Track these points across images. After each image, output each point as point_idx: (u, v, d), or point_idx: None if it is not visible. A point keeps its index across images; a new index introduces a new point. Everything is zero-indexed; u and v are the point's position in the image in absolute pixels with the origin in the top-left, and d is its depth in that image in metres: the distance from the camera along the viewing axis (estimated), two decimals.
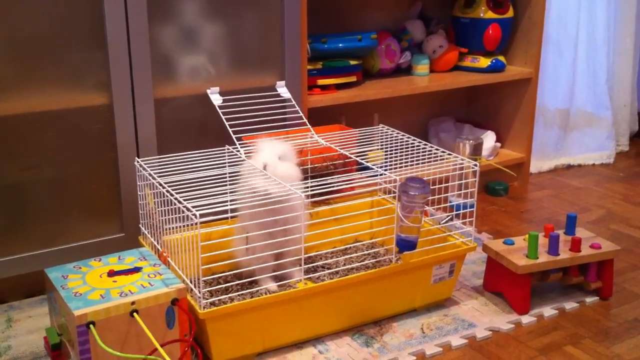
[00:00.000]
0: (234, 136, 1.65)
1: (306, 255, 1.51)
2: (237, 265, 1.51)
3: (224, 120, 1.67)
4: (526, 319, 1.61)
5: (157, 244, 1.51)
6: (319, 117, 1.99)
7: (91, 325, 1.22)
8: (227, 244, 1.50)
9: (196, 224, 1.28)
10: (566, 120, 2.80)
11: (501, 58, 2.41)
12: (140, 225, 1.61)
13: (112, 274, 1.37)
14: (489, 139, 2.47)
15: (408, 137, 1.76)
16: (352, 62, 2.14)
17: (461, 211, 1.65)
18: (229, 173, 1.59)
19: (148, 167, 1.52)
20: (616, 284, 1.77)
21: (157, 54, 1.67)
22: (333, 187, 1.53)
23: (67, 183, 1.64)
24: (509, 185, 2.49)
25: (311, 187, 1.61)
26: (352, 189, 1.79)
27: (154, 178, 1.47)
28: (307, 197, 1.51)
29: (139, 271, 1.38)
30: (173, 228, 1.41)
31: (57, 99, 1.58)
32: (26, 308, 1.64)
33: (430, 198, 1.51)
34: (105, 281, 1.34)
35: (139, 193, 1.57)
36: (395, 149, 1.78)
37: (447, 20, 2.49)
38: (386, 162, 1.79)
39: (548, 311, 1.64)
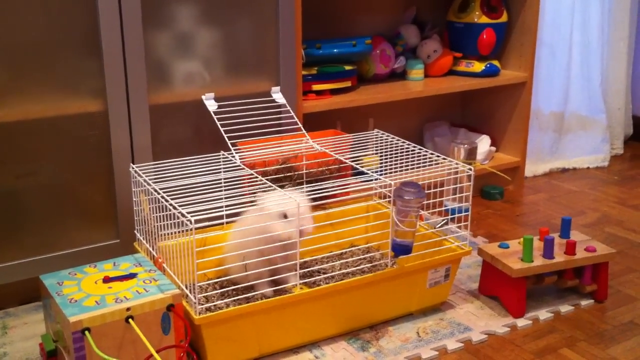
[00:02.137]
0: (229, 142, 1.65)
1: (302, 260, 1.51)
2: (232, 271, 1.51)
3: (219, 126, 1.67)
4: (522, 322, 1.61)
5: (153, 250, 1.51)
6: (314, 123, 2.00)
7: (86, 332, 1.22)
8: (223, 250, 1.50)
9: (191, 229, 1.28)
10: (561, 124, 2.80)
11: (495, 62, 2.42)
12: (136, 232, 1.61)
13: (107, 280, 1.37)
14: (483, 143, 2.47)
15: (403, 142, 1.76)
16: (347, 68, 2.15)
17: (456, 215, 1.66)
18: (224, 179, 1.59)
19: (143, 173, 1.53)
20: (611, 286, 1.78)
21: (152, 60, 1.68)
22: (328, 192, 1.53)
23: (63, 190, 1.64)
24: (504, 189, 2.49)
25: (307, 192, 1.61)
26: (348, 193, 1.79)
27: (149, 184, 1.47)
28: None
29: (134, 277, 1.38)
30: (168, 234, 1.41)
31: (52, 105, 1.58)
32: (22, 315, 1.64)
33: (425, 202, 1.51)
34: (100, 287, 1.34)
35: (134, 199, 1.57)
36: (390, 154, 1.79)
37: (442, 25, 2.50)
38: (381, 167, 1.79)
39: (543, 314, 1.65)
